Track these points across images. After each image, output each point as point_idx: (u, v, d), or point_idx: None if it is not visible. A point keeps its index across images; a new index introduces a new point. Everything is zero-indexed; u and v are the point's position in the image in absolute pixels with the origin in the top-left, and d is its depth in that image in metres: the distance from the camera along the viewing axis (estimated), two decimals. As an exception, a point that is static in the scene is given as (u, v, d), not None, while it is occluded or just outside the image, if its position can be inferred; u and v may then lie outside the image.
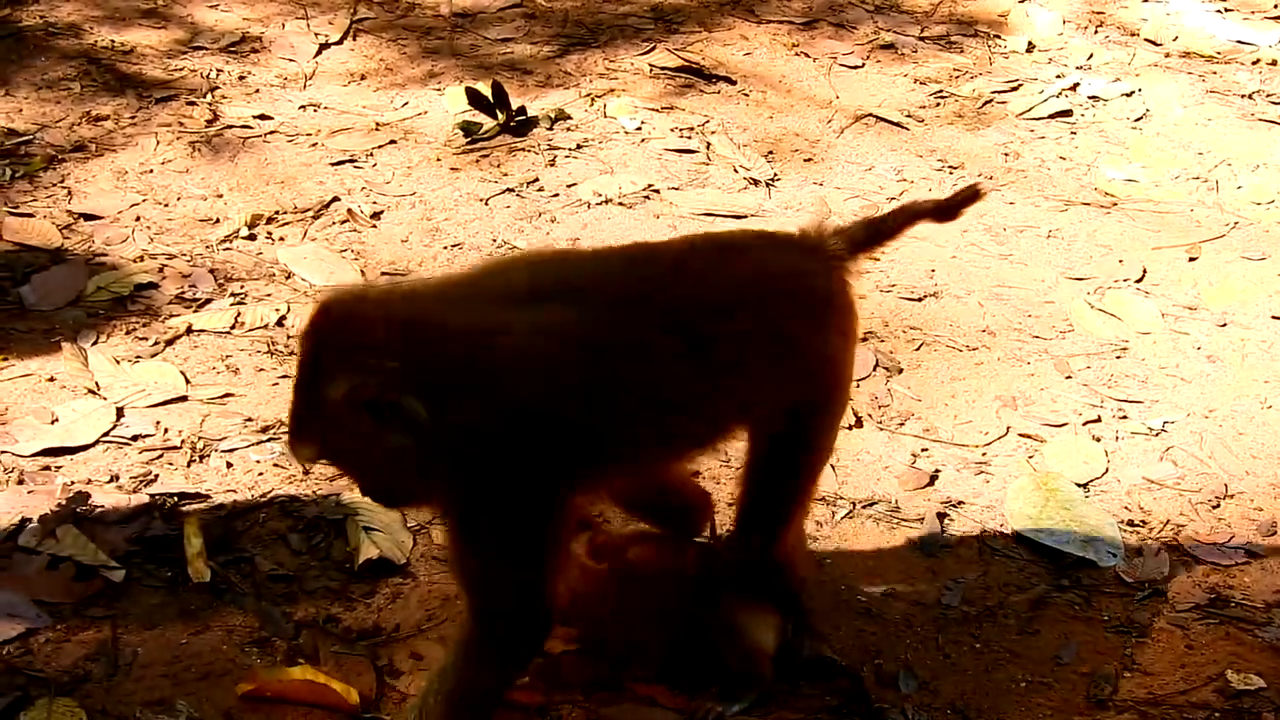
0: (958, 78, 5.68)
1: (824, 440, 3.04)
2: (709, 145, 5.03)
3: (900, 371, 3.97)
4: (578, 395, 2.62)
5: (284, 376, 3.71)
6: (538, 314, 2.62)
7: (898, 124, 5.29)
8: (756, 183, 4.82)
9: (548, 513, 2.67)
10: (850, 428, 3.71)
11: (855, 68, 5.69)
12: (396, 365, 2.52)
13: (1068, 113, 5.48)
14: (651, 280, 2.77)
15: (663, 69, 5.52)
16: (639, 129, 5.11)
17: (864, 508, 3.49)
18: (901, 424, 3.77)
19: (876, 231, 3.07)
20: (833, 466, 3.56)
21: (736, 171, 4.88)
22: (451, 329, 2.60)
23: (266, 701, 2.89)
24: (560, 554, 2.74)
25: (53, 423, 3.59)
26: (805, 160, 4.99)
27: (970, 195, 3.11)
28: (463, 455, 2.59)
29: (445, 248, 4.37)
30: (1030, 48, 5.98)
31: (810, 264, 2.93)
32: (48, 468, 3.46)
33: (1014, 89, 5.63)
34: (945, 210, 3.14)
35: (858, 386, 3.84)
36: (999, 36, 6.04)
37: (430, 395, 2.52)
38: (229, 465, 3.48)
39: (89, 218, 4.43)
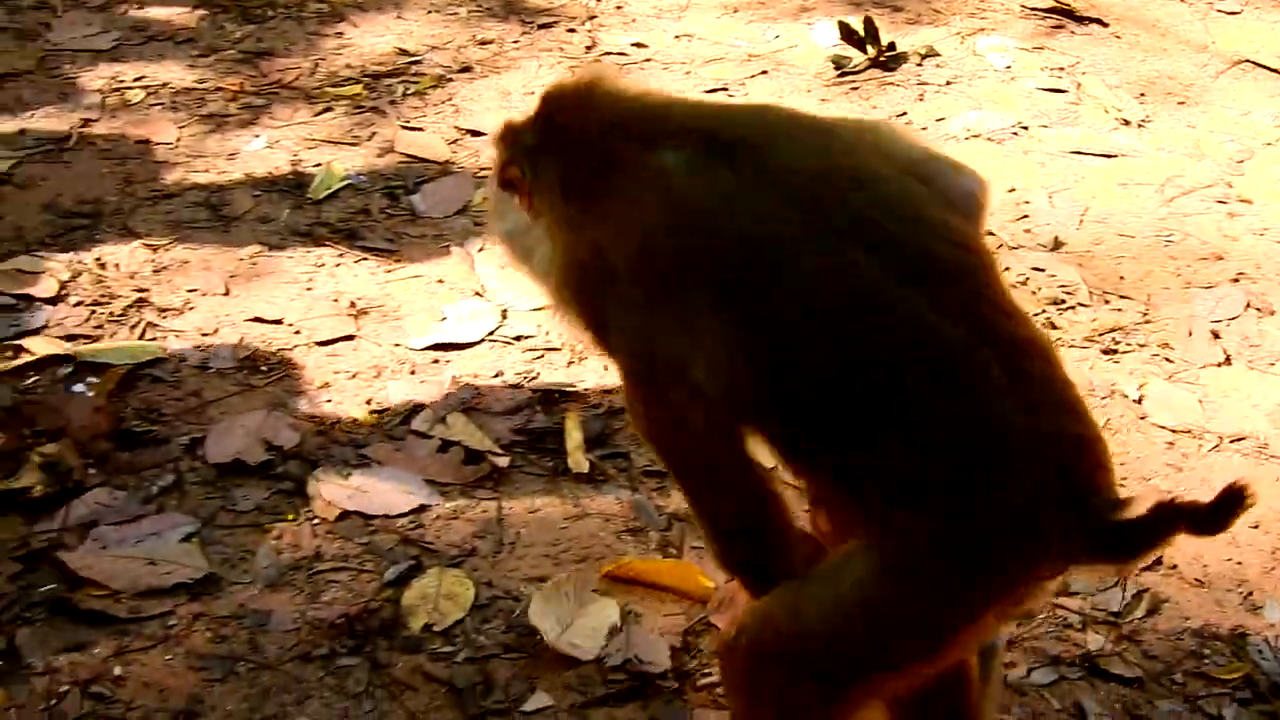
0: (1342, 25, 5.54)
1: None
2: (1079, 85, 5.01)
3: (1272, 314, 3.91)
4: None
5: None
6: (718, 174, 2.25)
7: (1277, 71, 5.18)
8: (1128, 123, 4.78)
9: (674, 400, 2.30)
10: (1219, 365, 3.70)
11: (1233, 13, 5.57)
12: (550, 157, 2.43)
13: None
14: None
15: (1033, 9, 5.50)
16: (1008, 68, 5.11)
17: (1231, 442, 3.46)
18: (1272, 364, 3.72)
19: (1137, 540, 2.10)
20: (1200, 401, 3.57)
21: (1107, 112, 4.85)
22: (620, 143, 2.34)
23: (630, 582, 3.04)
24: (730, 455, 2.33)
25: (441, 321, 3.80)
26: (1178, 103, 4.94)
27: (1233, 499, 2.01)
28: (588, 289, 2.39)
29: (814, 174, 4.47)
30: None
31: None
32: (437, 361, 3.66)
33: (1403, 38, 5.46)
34: (1207, 520, 2.05)
35: (1227, 325, 3.83)
36: (1389, -16, 5.86)
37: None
38: (605, 368, 3.62)
39: (475, 134, 4.64)
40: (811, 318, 2.16)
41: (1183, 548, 3.14)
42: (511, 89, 4.89)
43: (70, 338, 3.68)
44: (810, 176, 2.22)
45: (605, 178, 2.34)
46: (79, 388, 3.52)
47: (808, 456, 2.26)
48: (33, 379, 3.54)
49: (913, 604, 2.14)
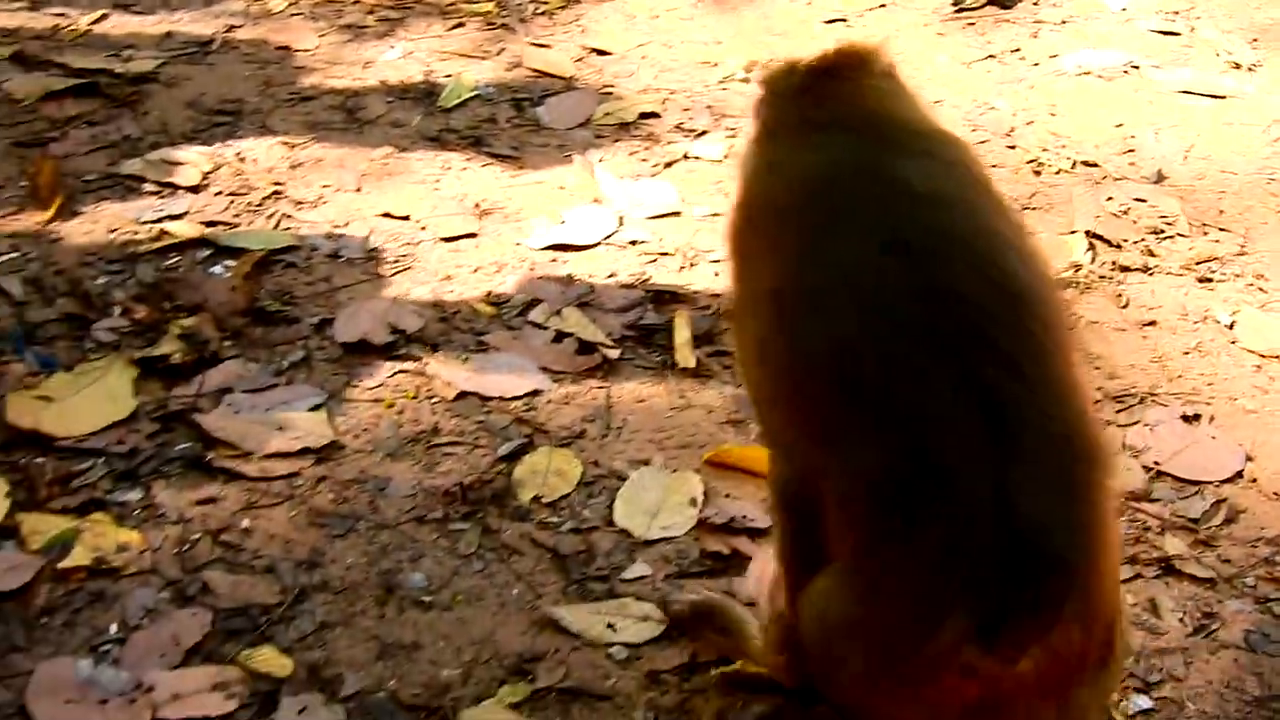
0: None
1: None
2: (1193, 29, 5.09)
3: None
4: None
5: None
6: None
7: (1392, 22, 5.24)
8: (1238, 66, 4.86)
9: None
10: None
11: (1352, -34, 5.64)
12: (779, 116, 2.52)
13: None
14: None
15: (1153, -45, 5.59)
16: (1123, 10, 5.20)
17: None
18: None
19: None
20: None
21: (1218, 55, 4.93)
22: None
23: (727, 468, 3.20)
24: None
25: (561, 223, 3.97)
26: (1291, 50, 5.02)
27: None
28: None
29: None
30: None
31: None
32: (555, 260, 3.84)
33: None
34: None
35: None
36: None
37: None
38: (715, 274, 3.78)
39: (600, 53, 4.82)
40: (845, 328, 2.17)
41: (1263, 464, 3.26)
42: (637, 13, 5.05)
43: (210, 224, 3.90)
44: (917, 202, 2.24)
45: (779, 144, 2.50)
46: (217, 269, 3.73)
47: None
48: (174, 259, 3.76)
49: (866, 627, 2.13)
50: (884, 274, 2.14)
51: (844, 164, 2.33)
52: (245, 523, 3.02)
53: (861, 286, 2.16)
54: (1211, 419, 3.38)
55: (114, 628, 2.78)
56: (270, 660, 2.73)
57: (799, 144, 2.43)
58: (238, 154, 4.19)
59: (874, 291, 2.14)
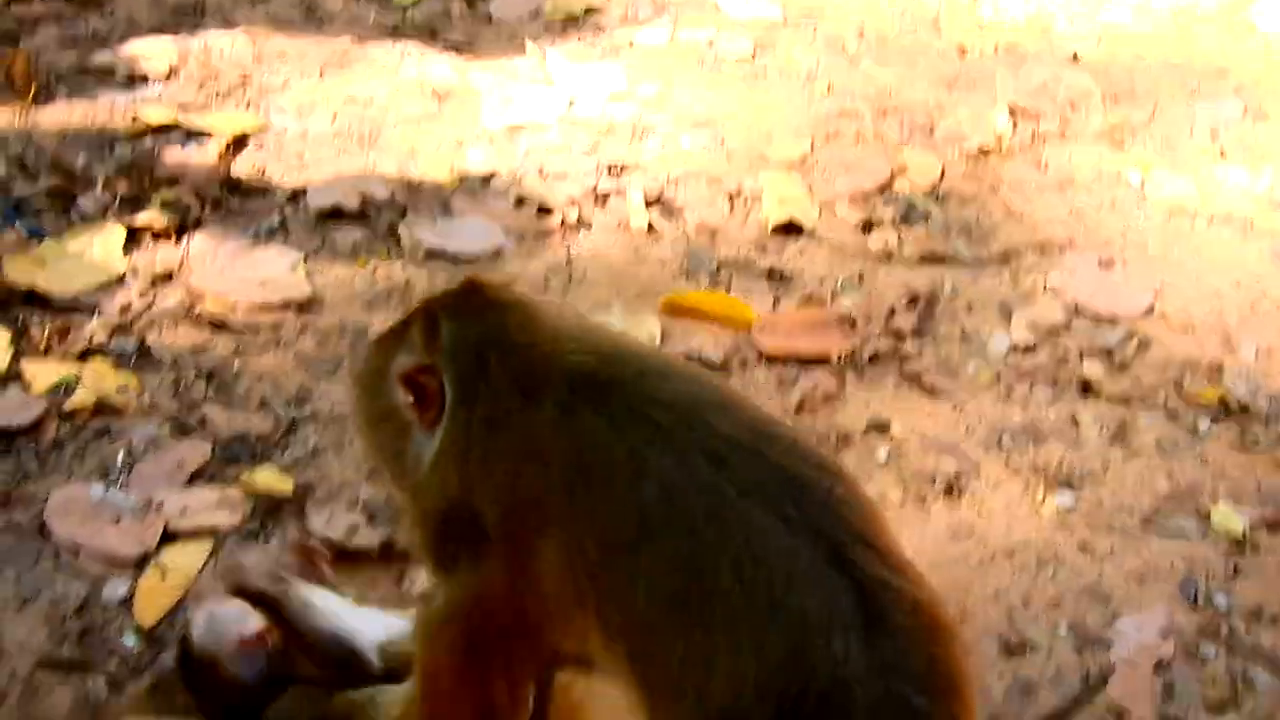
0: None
1: None
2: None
3: (1266, 119, 4.33)
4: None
5: (713, 82, 4.38)
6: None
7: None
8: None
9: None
10: (1215, 159, 4.11)
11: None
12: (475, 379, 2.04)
13: None
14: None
15: None
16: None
17: (1220, 220, 3.88)
18: (1262, 159, 4.12)
19: None
20: (1196, 187, 3.98)
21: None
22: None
23: (682, 312, 3.44)
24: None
25: (516, 105, 4.21)
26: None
27: None
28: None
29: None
30: None
31: None
32: (512, 137, 4.08)
33: None
34: None
35: (1225, 128, 4.24)
36: None
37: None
38: (663, 145, 4.04)
39: (547, -46, 5.07)
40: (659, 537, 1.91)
41: (1171, 301, 3.55)
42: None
43: (183, 108, 4.10)
44: (681, 406, 1.96)
45: (506, 425, 2.03)
46: (192, 147, 3.94)
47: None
48: (150, 140, 3.97)
49: None
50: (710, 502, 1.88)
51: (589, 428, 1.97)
52: (235, 365, 3.24)
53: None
54: (1125, 264, 3.67)
55: (121, 457, 2.99)
56: (270, 479, 2.96)
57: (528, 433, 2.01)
58: (204, 46, 4.40)
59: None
